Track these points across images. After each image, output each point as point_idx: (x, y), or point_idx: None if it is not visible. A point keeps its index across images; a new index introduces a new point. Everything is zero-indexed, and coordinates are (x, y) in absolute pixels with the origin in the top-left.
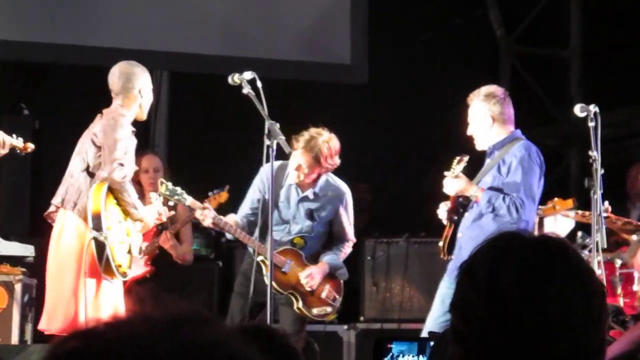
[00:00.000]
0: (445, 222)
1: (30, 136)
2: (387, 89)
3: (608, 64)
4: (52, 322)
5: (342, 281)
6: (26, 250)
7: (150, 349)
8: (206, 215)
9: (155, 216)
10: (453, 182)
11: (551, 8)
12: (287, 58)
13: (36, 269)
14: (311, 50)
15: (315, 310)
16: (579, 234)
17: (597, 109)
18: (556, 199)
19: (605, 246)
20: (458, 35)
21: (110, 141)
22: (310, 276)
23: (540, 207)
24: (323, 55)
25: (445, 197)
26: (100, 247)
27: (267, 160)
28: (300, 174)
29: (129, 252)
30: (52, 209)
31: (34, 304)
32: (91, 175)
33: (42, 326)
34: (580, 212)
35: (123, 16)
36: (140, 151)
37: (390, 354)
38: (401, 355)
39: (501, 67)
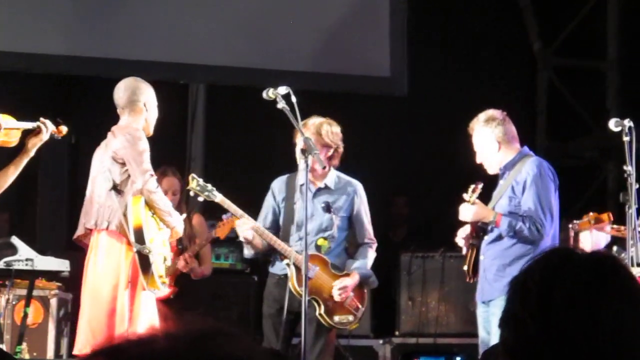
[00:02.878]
0: (464, 248)
1: (67, 151)
2: (426, 102)
3: None
4: (89, 345)
5: (365, 291)
6: (62, 265)
7: None
8: (245, 223)
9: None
10: (470, 209)
11: (589, 20)
12: (325, 71)
13: (72, 283)
14: (350, 63)
15: (337, 318)
16: (615, 248)
17: (631, 124)
18: (591, 213)
19: None
20: (496, 47)
21: (135, 154)
22: (345, 289)
23: (575, 221)
24: (362, 68)
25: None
26: (144, 260)
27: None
28: (316, 163)
29: (164, 262)
30: (81, 231)
31: (70, 318)
32: (119, 192)
33: (77, 350)
34: (615, 226)
35: (160, 30)
36: (160, 170)
37: None
38: None
39: (538, 79)
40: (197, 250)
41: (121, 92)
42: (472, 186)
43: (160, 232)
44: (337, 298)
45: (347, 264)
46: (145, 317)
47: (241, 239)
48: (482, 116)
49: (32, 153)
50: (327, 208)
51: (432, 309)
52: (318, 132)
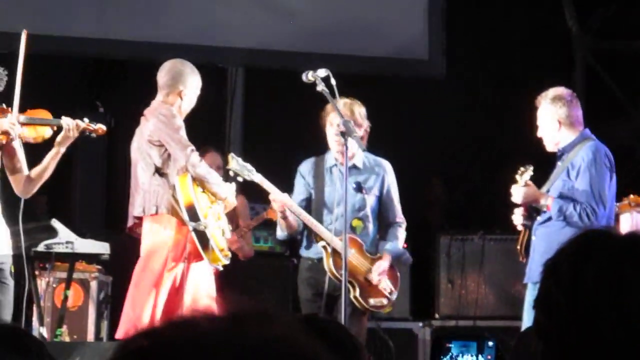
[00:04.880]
0: (519, 227)
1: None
2: (462, 84)
3: None
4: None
5: (398, 274)
6: (102, 248)
7: (216, 348)
8: (279, 198)
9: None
10: (521, 190)
11: (627, 1)
12: (363, 54)
13: (112, 266)
14: (388, 45)
15: (372, 301)
16: None
17: None
18: (632, 195)
19: None
20: (533, 29)
21: (171, 132)
22: (383, 272)
23: (616, 204)
24: (400, 50)
25: None
26: (202, 236)
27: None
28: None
29: (223, 235)
30: (131, 222)
31: (110, 301)
32: (162, 174)
33: (120, 335)
34: None
35: (198, 13)
36: (200, 151)
37: (450, 353)
38: (460, 355)
39: (576, 61)
40: (247, 230)
41: (164, 72)
42: (522, 169)
43: (213, 206)
44: (375, 281)
45: (380, 245)
46: (203, 293)
47: (278, 214)
48: (551, 92)
49: (61, 149)
50: (359, 188)
51: (471, 292)
52: (352, 113)
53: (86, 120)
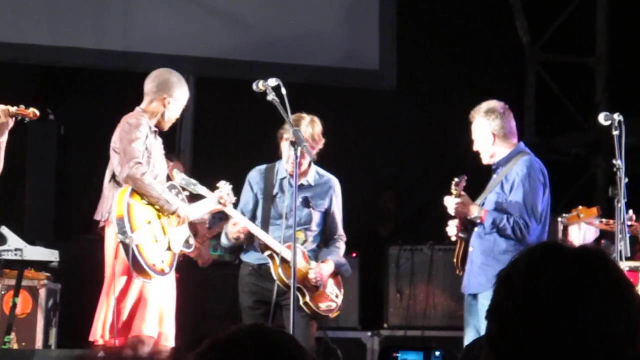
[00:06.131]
0: (454, 239)
1: (56, 141)
2: (414, 96)
3: (634, 70)
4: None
5: (341, 280)
6: (51, 255)
7: None
8: (237, 224)
9: (209, 209)
10: (454, 202)
11: (577, 15)
12: (314, 63)
13: (61, 273)
14: (339, 56)
15: (322, 305)
16: (603, 242)
17: (621, 118)
18: (580, 207)
19: (629, 254)
20: (484, 42)
21: (125, 144)
22: (319, 273)
23: (564, 215)
24: (351, 61)
25: None
26: (127, 249)
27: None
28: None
29: (169, 249)
30: (98, 225)
31: (58, 308)
32: (117, 182)
33: (91, 338)
34: (604, 220)
35: (150, 21)
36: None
37: None
38: None
39: (527, 74)
40: (209, 237)
41: (150, 79)
42: (456, 180)
43: (160, 220)
44: (311, 276)
45: (320, 254)
46: (149, 306)
47: (230, 239)
48: (484, 106)
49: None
50: (307, 203)
51: (420, 302)
52: (313, 129)
53: (21, 106)
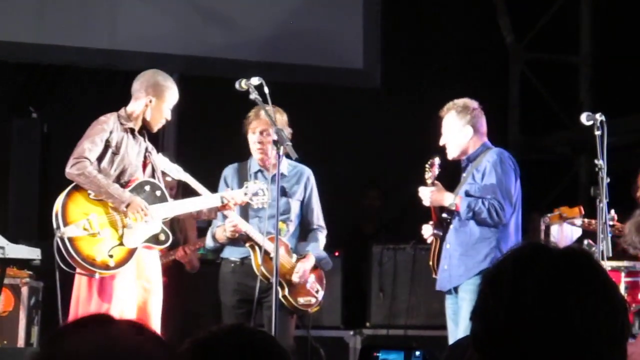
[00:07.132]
0: (430, 240)
1: (39, 140)
2: (398, 94)
3: (618, 70)
4: None
5: (323, 274)
6: (33, 253)
7: None
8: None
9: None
10: (428, 191)
11: (561, 14)
12: (299, 62)
13: (43, 272)
14: (323, 55)
15: (301, 300)
16: (585, 242)
17: (603, 118)
18: (562, 207)
19: (611, 254)
20: (469, 40)
21: (83, 137)
22: (303, 273)
23: (547, 215)
24: (335, 60)
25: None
26: (63, 245)
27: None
28: (265, 145)
29: (121, 243)
30: None
31: (41, 306)
32: None
33: None
34: (586, 220)
35: (133, 19)
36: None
37: None
38: None
39: (511, 73)
40: (201, 245)
41: (138, 79)
42: (430, 162)
43: (108, 215)
44: (296, 280)
45: (299, 246)
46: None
47: (220, 237)
48: (460, 102)
49: None
50: (283, 192)
51: (402, 301)
52: (286, 123)
53: None
